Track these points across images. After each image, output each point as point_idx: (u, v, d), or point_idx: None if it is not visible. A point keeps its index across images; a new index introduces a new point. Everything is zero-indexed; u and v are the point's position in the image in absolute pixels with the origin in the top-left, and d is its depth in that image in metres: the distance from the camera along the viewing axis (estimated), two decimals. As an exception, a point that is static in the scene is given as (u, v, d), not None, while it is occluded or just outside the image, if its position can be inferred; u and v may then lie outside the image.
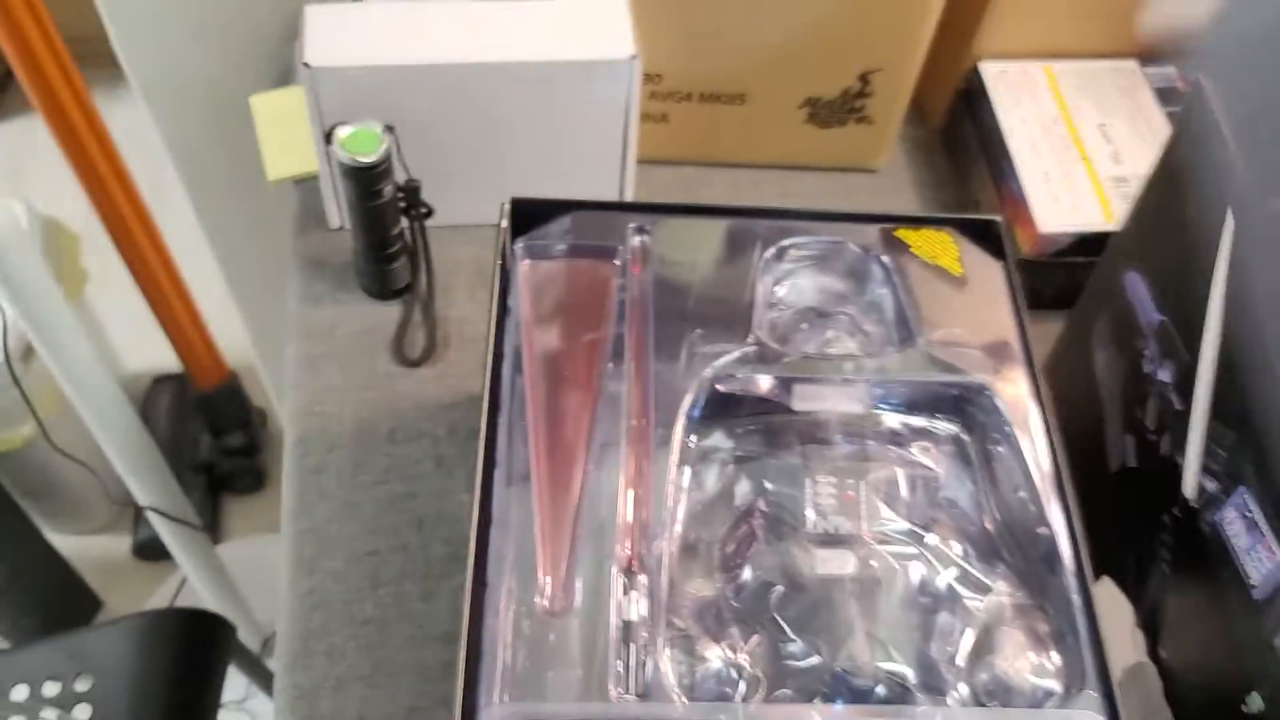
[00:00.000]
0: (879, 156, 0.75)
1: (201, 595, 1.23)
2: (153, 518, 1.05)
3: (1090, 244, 0.65)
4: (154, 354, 1.52)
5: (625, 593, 0.41)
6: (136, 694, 0.81)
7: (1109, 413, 0.54)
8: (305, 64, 0.60)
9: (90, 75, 1.06)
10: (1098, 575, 0.53)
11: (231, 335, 1.46)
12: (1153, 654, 0.49)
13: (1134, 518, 0.51)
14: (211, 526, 1.53)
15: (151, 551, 1.45)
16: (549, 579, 0.41)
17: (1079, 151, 0.68)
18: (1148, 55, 0.73)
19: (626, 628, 0.40)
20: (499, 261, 0.50)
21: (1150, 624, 0.50)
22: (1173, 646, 0.48)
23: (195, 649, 0.88)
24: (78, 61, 1.02)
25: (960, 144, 0.75)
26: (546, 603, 0.40)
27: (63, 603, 1.38)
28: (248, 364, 1.49)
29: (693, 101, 0.71)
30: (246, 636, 1.16)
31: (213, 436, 1.54)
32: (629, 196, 0.69)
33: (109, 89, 1.15)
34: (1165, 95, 0.71)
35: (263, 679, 1.12)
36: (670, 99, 0.71)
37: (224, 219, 1.00)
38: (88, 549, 1.47)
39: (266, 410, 1.59)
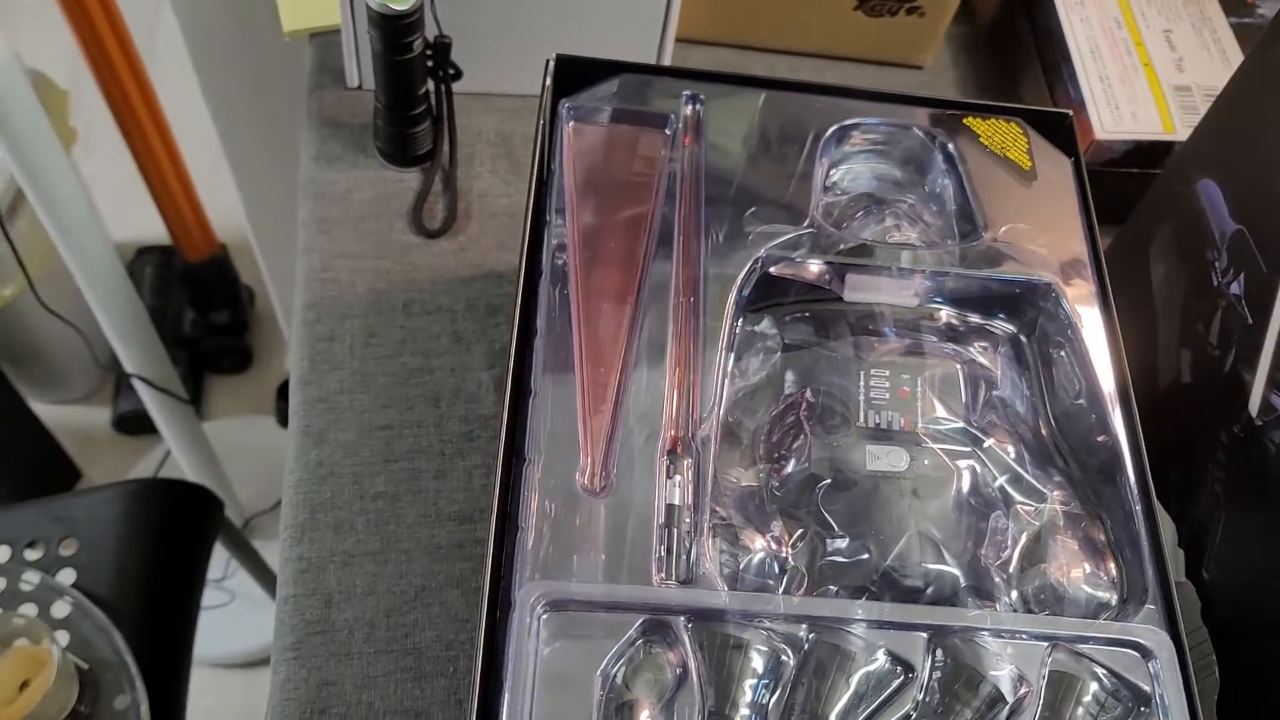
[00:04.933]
0: (926, 52, 0.72)
1: (185, 470, 1.20)
2: (139, 386, 1.02)
3: (1145, 153, 0.62)
4: (139, 224, 1.48)
5: (669, 476, 0.39)
6: (122, 561, 0.79)
7: (1163, 327, 0.52)
8: (334, -99, 0.55)
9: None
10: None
11: (223, 209, 1.41)
12: (1193, 574, 0.48)
13: (1184, 436, 0.49)
14: (194, 403, 1.50)
15: (132, 424, 1.42)
16: (590, 457, 0.39)
17: (1141, 57, 0.64)
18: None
19: (670, 512, 0.38)
20: (541, 121, 0.46)
21: (1193, 544, 0.48)
22: (1217, 568, 0.47)
23: (183, 521, 0.86)
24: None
25: (1011, 44, 0.72)
26: (587, 481, 0.38)
27: (41, 471, 1.36)
28: (239, 240, 1.45)
29: (739, -23, 0.67)
30: (229, 515, 1.14)
31: (198, 312, 1.50)
32: (665, 73, 0.66)
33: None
34: (1230, 5, 0.68)
35: (247, 557, 1.10)
36: (715, -28, 0.67)
37: (224, 77, 0.95)
38: (67, 419, 1.44)
39: (256, 289, 1.55)
